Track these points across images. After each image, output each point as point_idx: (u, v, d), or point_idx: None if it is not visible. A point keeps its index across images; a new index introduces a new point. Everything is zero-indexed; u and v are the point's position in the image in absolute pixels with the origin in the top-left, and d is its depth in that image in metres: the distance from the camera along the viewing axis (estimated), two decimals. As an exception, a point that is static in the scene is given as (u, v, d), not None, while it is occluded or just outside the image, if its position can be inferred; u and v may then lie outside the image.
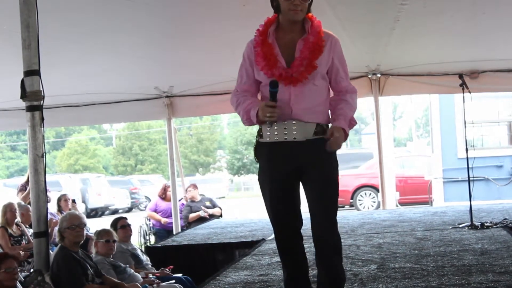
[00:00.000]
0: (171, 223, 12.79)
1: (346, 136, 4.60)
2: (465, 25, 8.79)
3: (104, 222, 13.79)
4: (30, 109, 6.04)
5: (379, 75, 11.48)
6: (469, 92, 9.25)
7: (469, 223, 9.07)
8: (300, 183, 4.72)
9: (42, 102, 6.05)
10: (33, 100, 6.02)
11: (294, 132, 4.62)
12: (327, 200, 4.57)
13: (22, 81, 6.00)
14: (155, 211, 13.56)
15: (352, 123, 4.67)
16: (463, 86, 9.21)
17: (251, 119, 4.62)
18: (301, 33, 4.66)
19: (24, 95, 5.99)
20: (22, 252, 8.67)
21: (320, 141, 4.58)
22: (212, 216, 13.15)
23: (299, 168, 4.64)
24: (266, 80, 4.59)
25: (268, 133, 4.66)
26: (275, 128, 4.62)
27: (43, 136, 6.08)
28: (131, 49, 9.20)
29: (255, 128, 4.78)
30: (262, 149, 4.71)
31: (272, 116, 4.48)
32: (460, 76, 9.38)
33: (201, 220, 12.91)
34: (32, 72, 6.01)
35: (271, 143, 4.66)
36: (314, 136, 4.61)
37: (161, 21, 8.10)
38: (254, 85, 4.77)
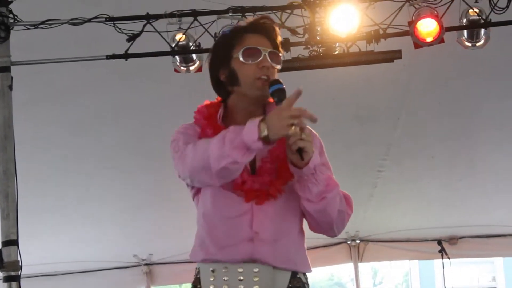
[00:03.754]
0: None
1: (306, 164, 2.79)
2: (442, 192, 8.90)
3: None
4: (7, 279, 5.93)
5: (358, 241, 11.33)
6: (448, 258, 9.25)
7: None
8: None
9: (19, 272, 5.97)
10: (10, 270, 5.94)
11: (256, 286, 2.88)
12: None
13: (0, 251, 5.95)
14: None
15: (329, 184, 2.90)
16: (442, 252, 9.23)
17: (247, 145, 2.72)
18: None
19: (1, 266, 5.92)
20: None
21: None
22: None
23: None
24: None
25: (212, 285, 2.93)
26: (224, 275, 2.91)
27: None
28: (110, 217, 9.23)
29: None
30: None
31: (300, 123, 2.72)
32: (439, 242, 9.42)
33: None
34: (10, 242, 5.95)
35: None
36: None
37: (140, 189, 8.16)
38: None
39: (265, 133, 2.69)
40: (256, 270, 2.89)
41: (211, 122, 3.04)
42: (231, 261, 2.90)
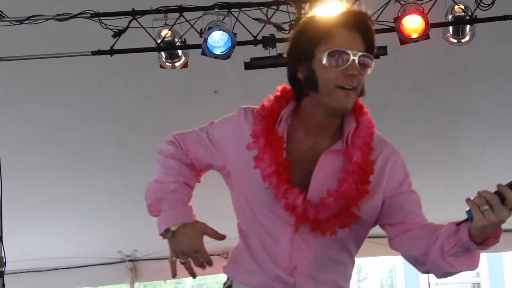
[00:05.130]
0: None
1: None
2: (426, 188, 8.89)
3: None
4: (-9, 275, 5.95)
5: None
6: (433, 254, 9.30)
7: None
8: None
9: (3, 268, 5.97)
10: (-5, 266, 5.94)
11: None
12: None
13: (-16, 248, 5.95)
14: None
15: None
16: (427, 248, 9.27)
17: (160, 218, 2.76)
18: (332, 136, 2.68)
19: (-14, 262, 5.92)
20: None
21: None
22: None
23: None
24: (251, 188, 2.68)
25: None
26: None
27: (5, 303, 5.97)
28: (94, 213, 9.19)
29: None
30: None
31: (188, 264, 2.65)
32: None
33: None
34: (-5, 238, 5.96)
35: None
36: None
37: (125, 185, 8.14)
38: (202, 168, 2.87)
39: (169, 235, 2.67)
40: None
41: (267, 125, 2.65)
42: None
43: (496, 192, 2.29)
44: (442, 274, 2.59)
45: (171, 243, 2.67)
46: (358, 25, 2.58)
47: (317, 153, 2.63)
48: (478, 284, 22.64)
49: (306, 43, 2.58)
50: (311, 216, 2.54)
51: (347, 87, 2.52)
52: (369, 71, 2.59)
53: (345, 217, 2.57)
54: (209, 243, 2.72)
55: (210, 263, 2.64)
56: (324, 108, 2.59)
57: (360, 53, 2.53)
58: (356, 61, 2.51)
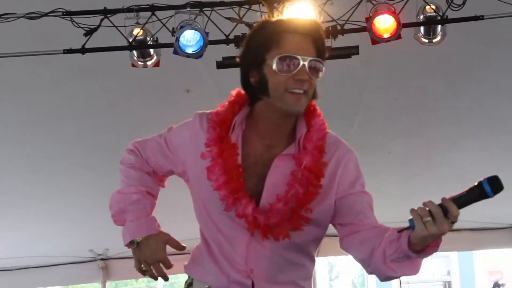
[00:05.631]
0: None
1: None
2: (398, 187, 8.97)
3: None
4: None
5: (315, 236, 11.36)
6: (405, 253, 9.34)
7: None
8: None
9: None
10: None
11: None
12: None
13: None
14: None
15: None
16: (399, 247, 9.31)
17: (124, 229, 2.85)
18: (287, 140, 2.70)
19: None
20: None
21: None
22: None
23: None
24: (208, 197, 2.70)
25: None
26: None
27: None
28: (66, 212, 9.16)
29: None
30: None
31: (150, 272, 2.77)
32: (395, 236, 9.49)
33: None
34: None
35: None
36: None
37: (96, 185, 8.11)
38: (164, 174, 2.93)
39: (134, 245, 2.76)
40: None
41: (220, 132, 2.67)
42: None
43: (440, 205, 2.33)
44: (384, 277, 2.61)
45: (135, 253, 2.76)
46: (308, 30, 2.60)
47: (272, 157, 2.66)
48: (449, 282, 22.77)
49: (257, 48, 2.60)
50: (262, 223, 2.58)
51: (297, 91, 2.54)
52: (320, 75, 2.61)
53: (296, 220, 2.60)
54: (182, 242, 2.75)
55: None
56: (276, 111, 2.61)
57: (310, 58, 2.55)
58: (306, 66, 2.53)
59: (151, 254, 2.71)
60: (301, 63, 2.52)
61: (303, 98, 2.57)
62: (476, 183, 2.35)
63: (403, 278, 10.75)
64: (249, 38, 2.69)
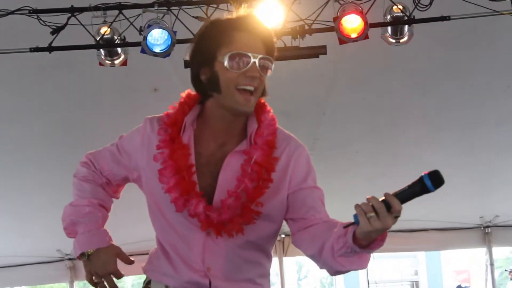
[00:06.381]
0: None
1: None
2: (366, 186, 8.99)
3: None
4: None
5: (283, 236, 11.34)
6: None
7: None
8: None
9: None
10: None
11: None
12: None
13: None
14: None
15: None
16: (366, 246, 9.34)
17: (74, 241, 2.81)
18: (239, 137, 2.72)
19: None
20: None
21: None
22: None
23: None
24: (161, 200, 2.70)
25: None
26: None
27: None
28: (32, 211, 9.10)
29: None
30: None
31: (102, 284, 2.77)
32: (363, 236, 9.53)
33: None
34: None
35: None
36: None
37: (63, 183, 8.06)
38: (119, 183, 2.93)
39: (84, 258, 2.76)
40: None
41: (172, 134, 2.69)
42: None
43: (383, 200, 2.34)
44: (333, 272, 2.62)
45: (86, 265, 2.76)
46: (258, 28, 2.65)
47: (224, 155, 2.68)
48: (417, 282, 22.93)
49: (208, 46, 2.63)
50: (214, 220, 2.60)
51: (248, 88, 2.58)
52: (269, 72, 2.64)
53: (247, 214, 2.61)
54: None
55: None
56: (227, 109, 2.63)
57: (260, 56, 2.59)
58: (257, 63, 2.57)
59: (101, 266, 2.74)
60: (252, 60, 2.57)
61: (253, 98, 2.61)
62: (417, 178, 2.40)
63: (371, 278, 10.79)
64: (200, 35, 2.71)
